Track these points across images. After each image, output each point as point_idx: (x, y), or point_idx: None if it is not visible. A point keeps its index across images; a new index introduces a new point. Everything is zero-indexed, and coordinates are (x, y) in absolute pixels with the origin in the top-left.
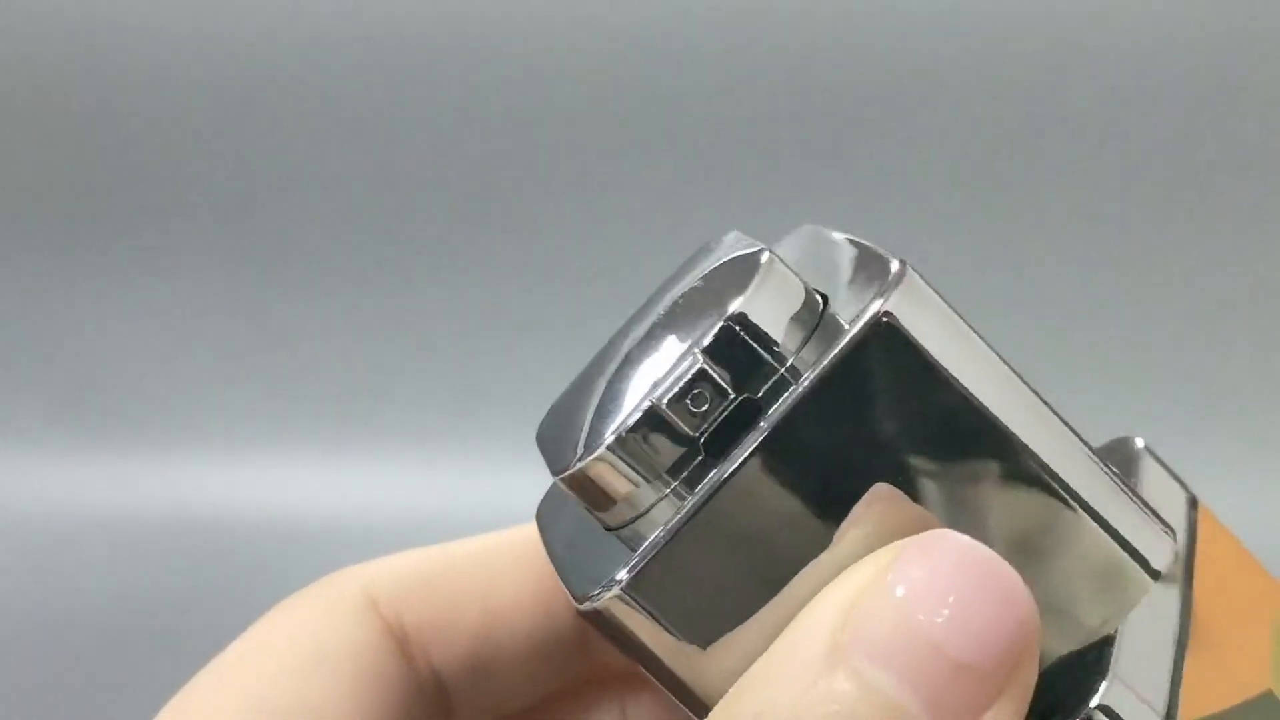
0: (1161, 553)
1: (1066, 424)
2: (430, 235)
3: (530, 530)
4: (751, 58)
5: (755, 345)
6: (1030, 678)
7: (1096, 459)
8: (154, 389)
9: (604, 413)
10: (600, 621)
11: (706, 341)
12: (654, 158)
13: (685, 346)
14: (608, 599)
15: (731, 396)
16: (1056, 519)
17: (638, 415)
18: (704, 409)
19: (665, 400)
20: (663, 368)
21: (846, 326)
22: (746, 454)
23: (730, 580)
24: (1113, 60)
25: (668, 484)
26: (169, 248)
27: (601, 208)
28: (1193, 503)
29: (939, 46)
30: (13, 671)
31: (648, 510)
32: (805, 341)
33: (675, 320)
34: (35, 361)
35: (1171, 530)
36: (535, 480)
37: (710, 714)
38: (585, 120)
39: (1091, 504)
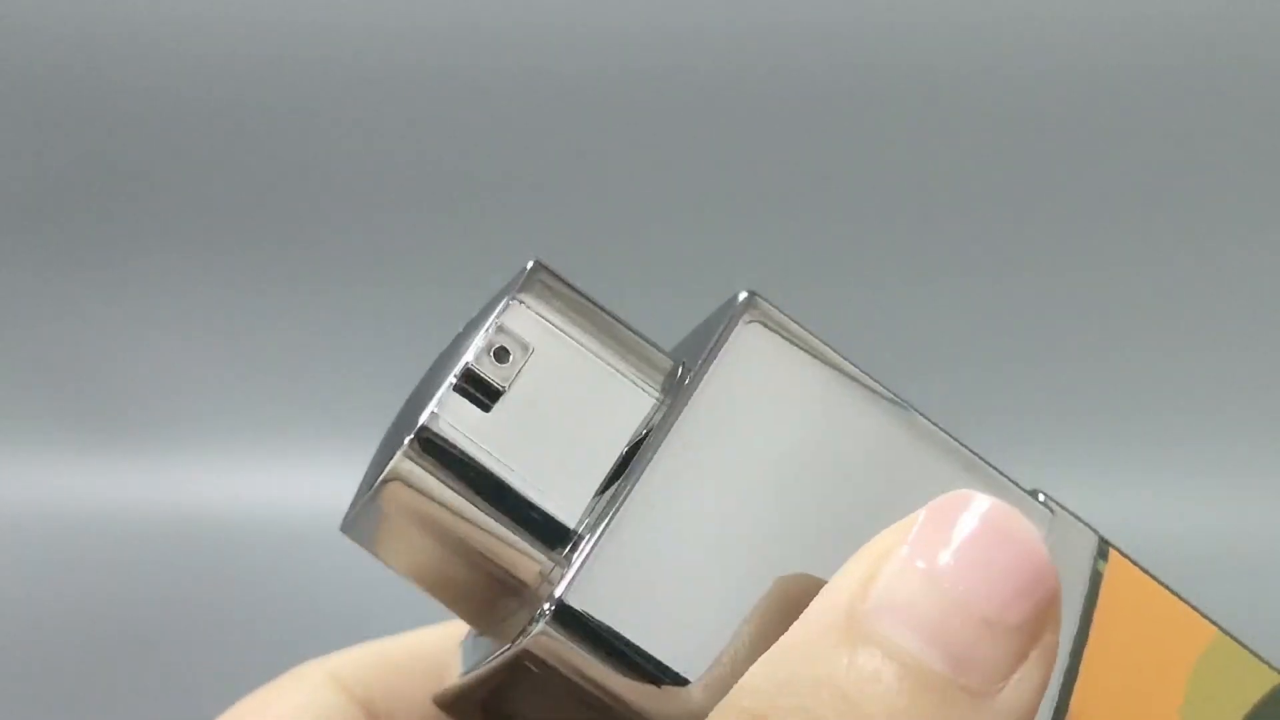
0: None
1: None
2: (432, 236)
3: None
4: (748, 58)
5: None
6: (1055, 640)
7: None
8: (154, 389)
9: (416, 402)
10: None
11: (496, 315)
12: (654, 158)
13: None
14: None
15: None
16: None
17: (447, 388)
18: (508, 362)
19: (472, 359)
20: (457, 356)
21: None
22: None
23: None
24: (1111, 63)
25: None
26: (169, 248)
27: (602, 208)
28: (1102, 549)
29: (938, 48)
30: (13, 671)
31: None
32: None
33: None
34: (35, 362)
35: (1049, 506)
36: None
37: (727, 696)
38: (585, 122)
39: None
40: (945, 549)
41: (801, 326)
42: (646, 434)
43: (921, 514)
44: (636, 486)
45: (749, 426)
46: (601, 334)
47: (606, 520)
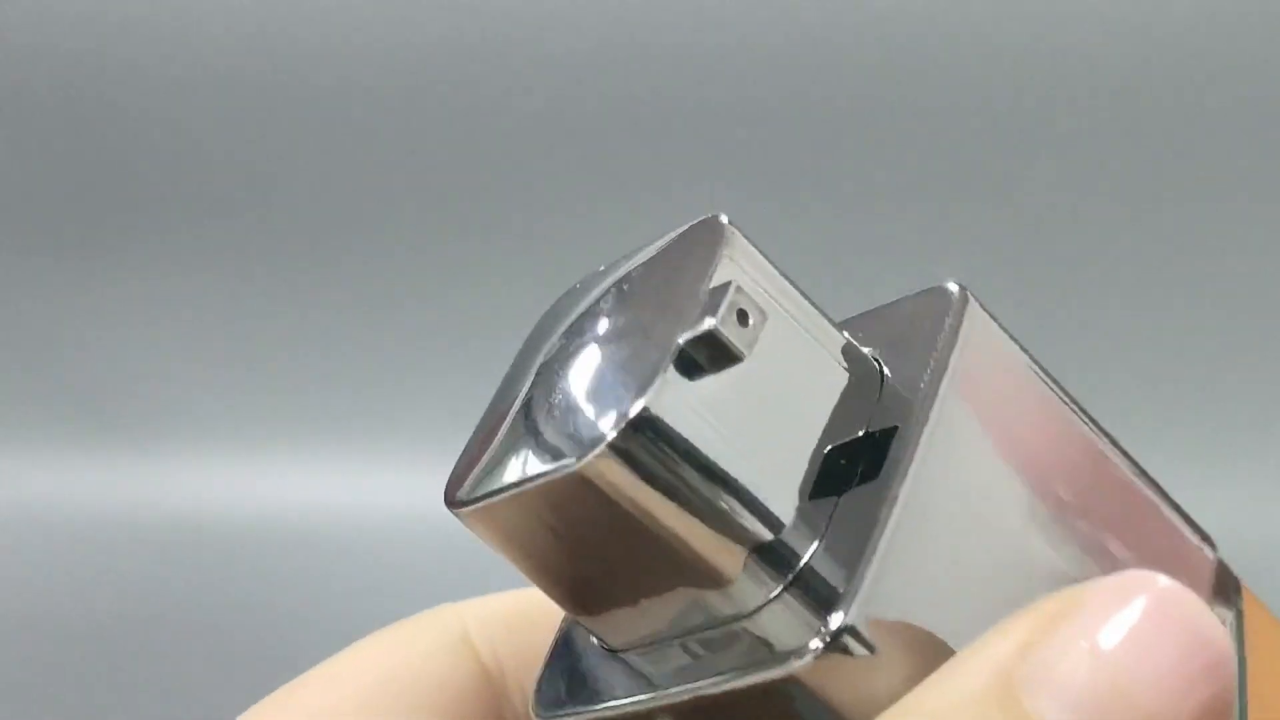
0: (1207, 550)
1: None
2: (432, 236)
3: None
4: (746, 60)
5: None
6: None
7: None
8: (153, 389)
9: (608, 372)
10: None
11: (714, 272)
12: (653, 160)
13: (697, 289)
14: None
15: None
16: (1147, 523)
17: (679, 347)
18: (750, 325)
19: (718, 320)
20: (673, 317)
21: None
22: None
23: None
24: (1107, 64)
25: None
26: (169, 248)
27: (603, 209)
28: (1235, 584)
29: (937, 49)
30: (13, 671)
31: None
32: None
33: (640, 296)
34: (35, 361)
35: (1209, 539)
36: None
37: None
38: (584, 124)
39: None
40: (1116, 631)
41: (1003, 326)
42: (867, 433)
43: (1097, 587)
44: (900, 504)
45: (982, 443)
46: (797, 304)
47: (876, 539)
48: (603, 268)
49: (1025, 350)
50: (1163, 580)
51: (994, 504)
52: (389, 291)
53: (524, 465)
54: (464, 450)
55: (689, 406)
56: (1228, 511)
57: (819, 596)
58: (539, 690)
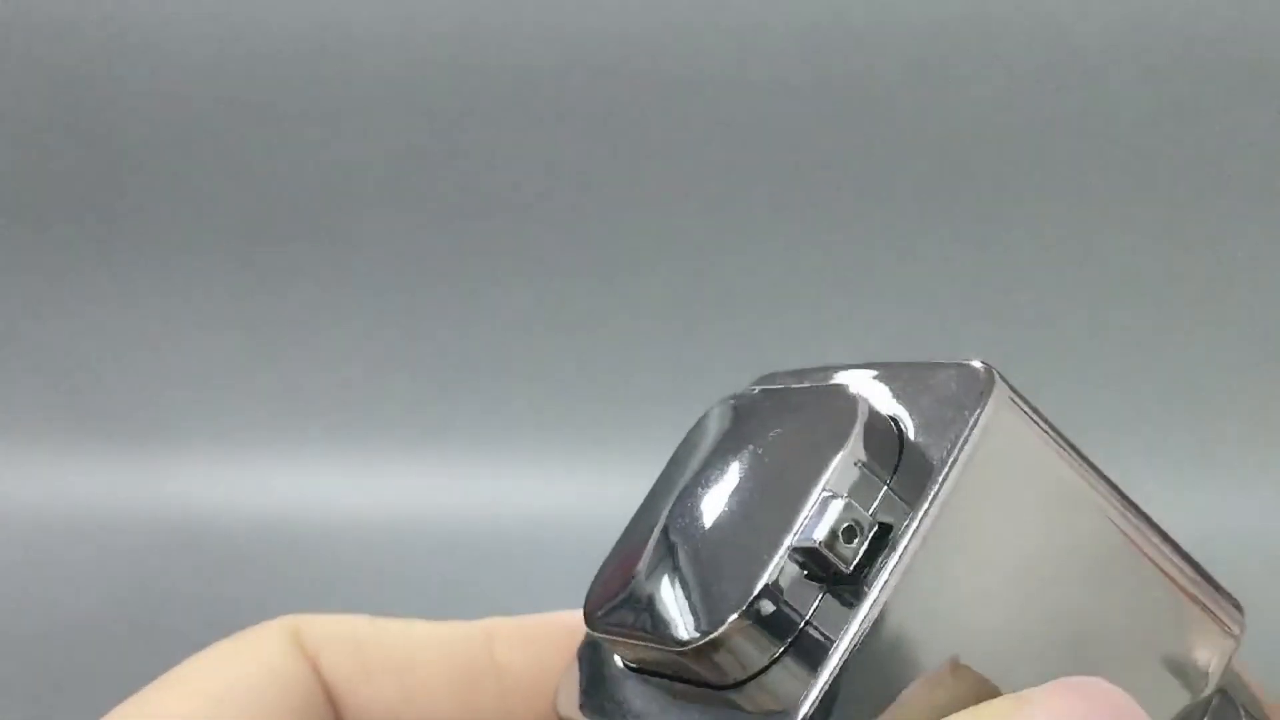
0: (1235, 617)
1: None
2: (431, 236)
3: (461, 629)
4: (746, 62)
5: (875, 477)
6: None
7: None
8: (154, 389)
9: (725, 568)
10: None
11: (835, 479)
12: (652, 161)
13: (811, 489)
14: None
15: (873, 524)
16: (1161, 603)
17: (787, 556)
18: (855, 541)
19: (820, 537)
20: (786, 513)
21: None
22: (902, 554)
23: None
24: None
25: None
26: (169, 248)
27: (603, 210)
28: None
29: (936, 51)
30: (12, 671)
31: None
32: (896, 469)
33: (768, 469)
34: (35, 361)
35: (1238, 604)
36: (535, 479)
37: None
38: (583, 124)
39: (1180, 582)
40: None
41: (1029, 406)
42: (872, 520)
43: (1044, 691)
44: (881, 601)
45: (991, 531)
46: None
47: (852, 634)
48: (757, 390)
49: (1053, 432)
50: (1100, 685)
51: (987, 597)
52: (390, 292)
53: (653, 618)
54: (604, 564)
55: (797, 598)
56: (1228, 511)
57: (805, 666)
58: (564, 694)
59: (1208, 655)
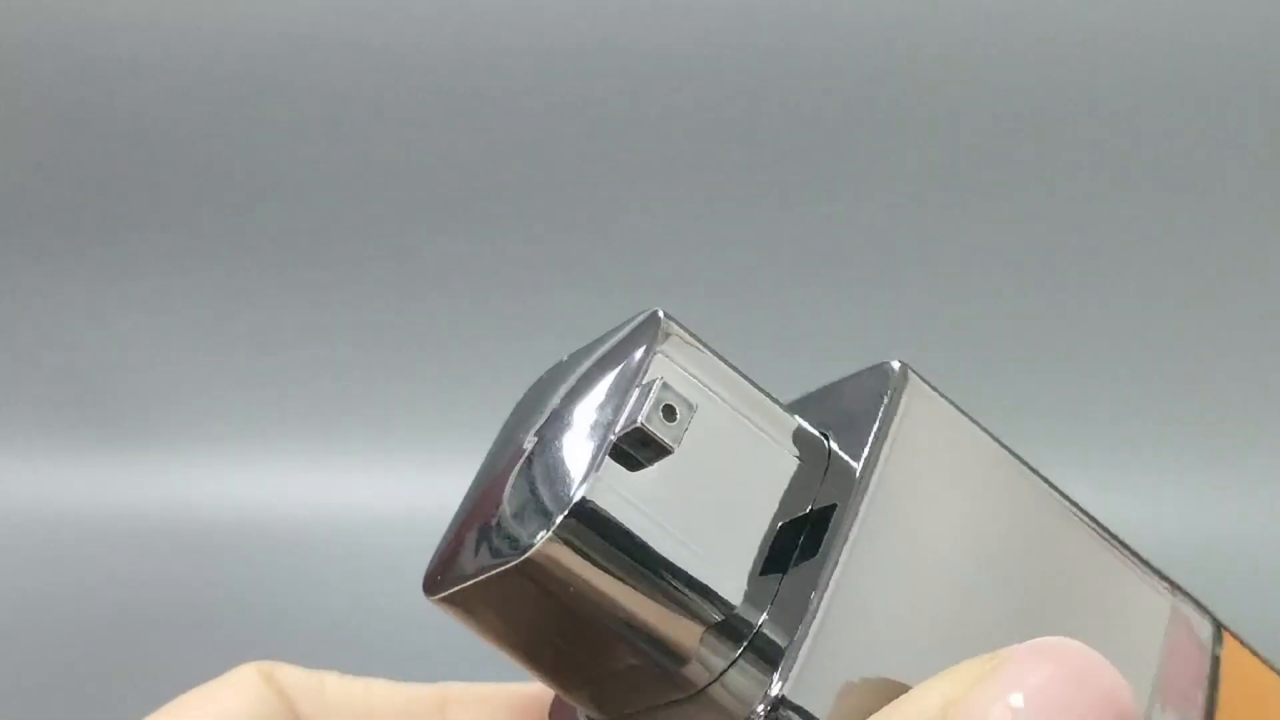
0: (1160, 576)
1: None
2: (431, 236)
3: (418, 691)
4: (742, 63)
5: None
6: None
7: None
8: (154, 389)
9: (555, 466)
10: None
11: (646, 368)
12: (649, 161)
13: (629, 389)
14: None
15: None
16: (1097, 566)
17: (612, 442)
18: (675, 421)
19: (641, 418)
20: (607, 416)
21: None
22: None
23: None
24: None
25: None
26: (169, 247)
27: (601, 210)
28: (1217, 633)
29: (936, 51)
30: (12, 671)
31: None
32: (826, 471)
33: (583, 398)
34: (35, 361)
35: (1170, 583)
36: None
37: None
38: (581, 123)
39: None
40: (1030, 692)
41: (946, 398)
42: (811, 509)
43: (1015, 651)
44: (835, 578)
45: (927, 510)
46: (738, 390)
47: (813, 611)
48: (566, 357)
49: (973, 420)
50: (1073, 645)
51: (933, 571)
52: (389, 292)
53: (487, 555)
54: (443, 538)
55: (627, 496)
56: (1228, 511)
57: (767, 660)
58: None
59: (1148, 617)
